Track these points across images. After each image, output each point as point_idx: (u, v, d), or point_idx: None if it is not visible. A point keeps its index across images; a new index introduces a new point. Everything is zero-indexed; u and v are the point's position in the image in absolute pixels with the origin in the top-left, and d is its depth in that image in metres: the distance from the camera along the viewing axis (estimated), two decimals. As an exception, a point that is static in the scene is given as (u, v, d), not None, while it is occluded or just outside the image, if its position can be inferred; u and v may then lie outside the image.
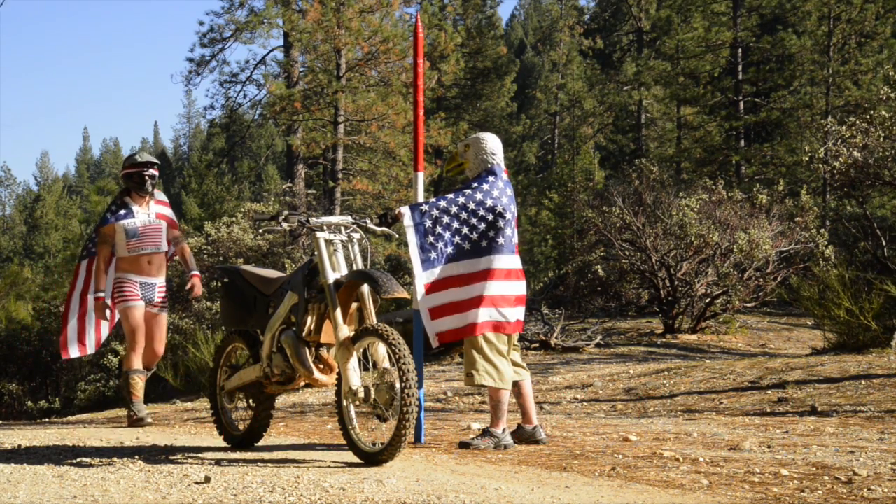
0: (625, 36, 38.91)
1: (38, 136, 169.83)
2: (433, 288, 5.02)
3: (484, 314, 5.04)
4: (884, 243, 13.29)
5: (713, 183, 16.51)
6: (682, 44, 29.72)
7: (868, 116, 12.24)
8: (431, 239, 5.00)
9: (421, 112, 5.68)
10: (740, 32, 28.74)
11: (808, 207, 15.94)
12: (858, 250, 15.56)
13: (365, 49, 21.31)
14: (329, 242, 4.79)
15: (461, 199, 5.10)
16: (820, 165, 13.28)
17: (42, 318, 21.08)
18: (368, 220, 5.03)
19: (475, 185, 5.19)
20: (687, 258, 14.88)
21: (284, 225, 4.83)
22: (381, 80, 22.00)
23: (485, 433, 5.21)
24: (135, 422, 7.02)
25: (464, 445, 5.17)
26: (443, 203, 5.09)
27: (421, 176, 5.61)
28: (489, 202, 5.09)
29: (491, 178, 5.20)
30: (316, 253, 4.78)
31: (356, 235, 4.93)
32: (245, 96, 26.13)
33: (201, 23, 26.38)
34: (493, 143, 5.33)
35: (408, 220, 5.03)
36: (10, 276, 29.14)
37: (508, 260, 5.11)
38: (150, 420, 7.08)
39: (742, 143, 29.44)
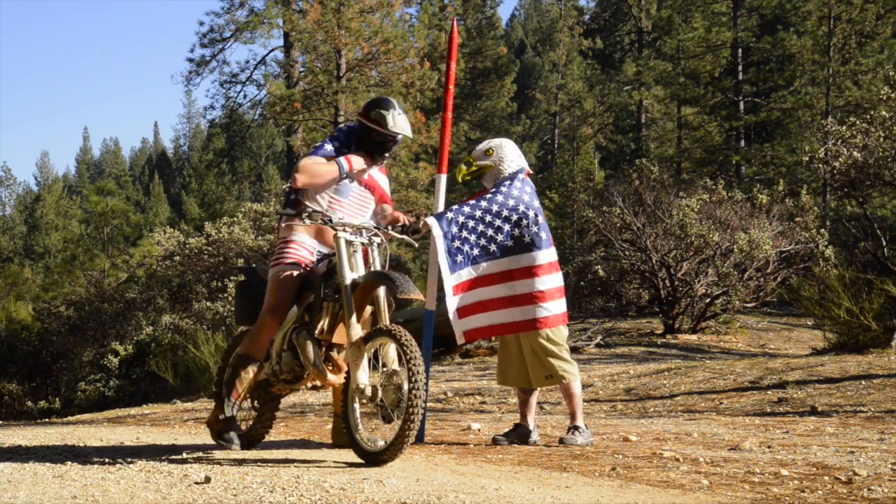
0: (625, 36, 38.91)
1: (38, 136, 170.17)
2: (460, 289, 5.10)
3: (517, 314, 5.10)
4: (884, 243, 13.28)
5: (713, 183, 16.50)
6: (682, 44, 29.72)
7: (868, 116, 12.24)
8: (458, 244, 5.07)
9: (449, 115, 5.64)
10: (740, 32, 28.75)
11: (808, 207, 15.93)
12: (858, 250, 15.56)
13: (365, 49, 21.29)
14: (349, 243, 4.80)
15: (483, 204, 5.16)
16: (820, 165, 13.27)
17: (42, 318, 21.09)
18: (389, 227, 5.06)
19: (494, 189, 5.24)
20: (687, 258, 14.87)
21: (308, 221, 4.83)
22: (382, 81, 21.97)
23: (575, 430, 5.23)
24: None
25: (561, 442, 5.19)
26: (466, 209, 5.15)
27: (444, 178, 5.57)
28: (511, 202, 5.16)
29: (508, 182, 5.25)
30: (335, 253, 4.78)
31: (377, 240, 4.94)
32: (245, 96, 26.15)
33: (201, 23, 26.39)
34: (514, 150, 5.38)
35: (437, 231, 5.08)
36: (10, 276, 29.20)
37: (543, 255, 5.15)
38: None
39: (742, 143, 29.45)
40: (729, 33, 28.47)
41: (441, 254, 5.04)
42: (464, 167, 5.40)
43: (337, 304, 4.80)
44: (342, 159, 4.97)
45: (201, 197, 38.25)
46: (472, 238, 5.09)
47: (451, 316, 5.11)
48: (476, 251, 5.09)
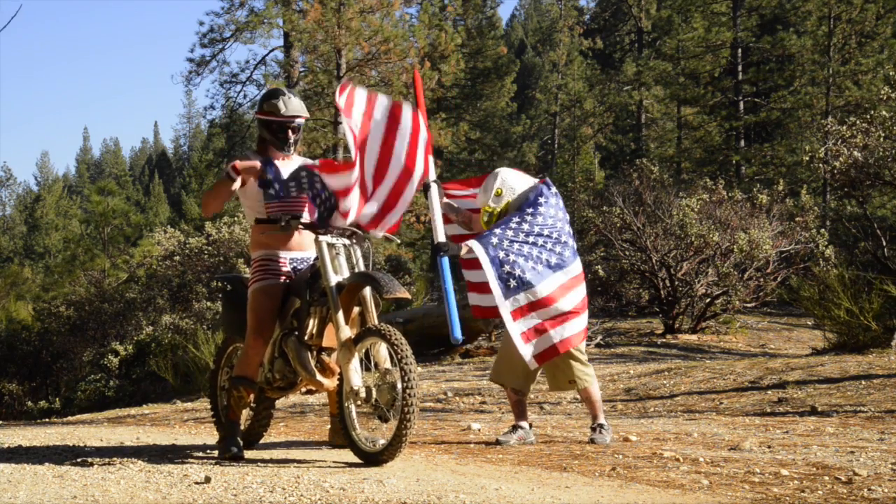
0: (625, 36, 38.92)
1: (38, 136, 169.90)
2: (519, 314, 5.13)
3: (570, 328, 5.19)
4: (884, 243, 13.28)
5: (713, 183, 16.50)
6: (682, 44, 29.73)
7: (868, 116, 12.24)
8: (508, 268, 5.09)
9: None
10: (740, 32, 28.75)
11: (808, 207, 15.93)
12: (858, 250, 15.54)
13: (365, 49, 21.29)
14: (331, 246, 4.81)
15: (525, 227, 5.20)
16: (820, 165, 13.28)
17: (42, 318, 21.07)
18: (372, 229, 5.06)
19: (530, 209, 5.26)
20: (687, 258, 14.87)
21: (287, 229, 4.85)
22: (382, 81, 21.98)
23: (600, 428, 5.32)
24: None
25: (593, 442, 5.27)
26: (509, 233, 5.17)
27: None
28: (549, 220, 5.24)
29: (542, 199, 5.30)
30: (318, 256, 4.79)
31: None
32: (245, 96, 26.07)
33: (201, 23, 26.35)
34: (514, 173, 5.44)
35: (482, 256, 5.07)
36: (10, 276, 29.22)
37: (574, 267, 5.27)
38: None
39: (742, 143, 29.45)
40: (729, 33, 28.47)
41: (493, 281, 5.05)
42: (486, 217, 5.41)
43: (324, 307, 4.81)
44: (228, 167, 5.01)
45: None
46: (521, 261, 5.11)
47: (515, 341, 5.12)
48: (528, 274, 5.11)
